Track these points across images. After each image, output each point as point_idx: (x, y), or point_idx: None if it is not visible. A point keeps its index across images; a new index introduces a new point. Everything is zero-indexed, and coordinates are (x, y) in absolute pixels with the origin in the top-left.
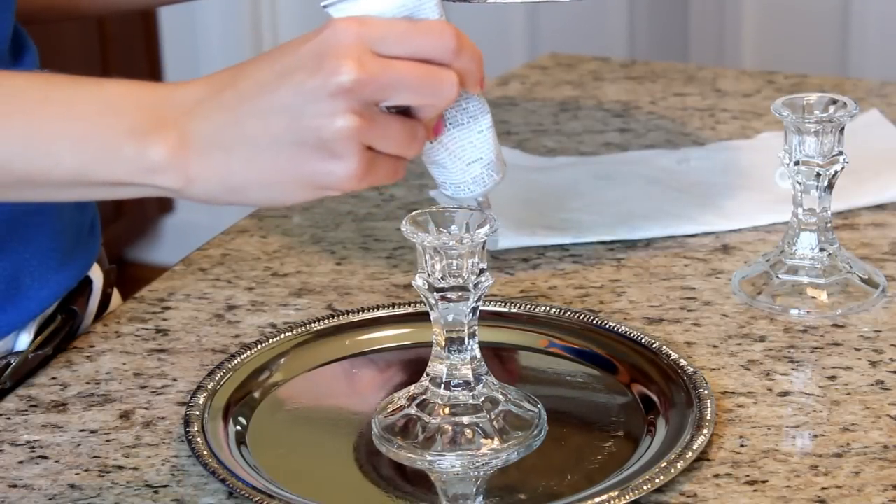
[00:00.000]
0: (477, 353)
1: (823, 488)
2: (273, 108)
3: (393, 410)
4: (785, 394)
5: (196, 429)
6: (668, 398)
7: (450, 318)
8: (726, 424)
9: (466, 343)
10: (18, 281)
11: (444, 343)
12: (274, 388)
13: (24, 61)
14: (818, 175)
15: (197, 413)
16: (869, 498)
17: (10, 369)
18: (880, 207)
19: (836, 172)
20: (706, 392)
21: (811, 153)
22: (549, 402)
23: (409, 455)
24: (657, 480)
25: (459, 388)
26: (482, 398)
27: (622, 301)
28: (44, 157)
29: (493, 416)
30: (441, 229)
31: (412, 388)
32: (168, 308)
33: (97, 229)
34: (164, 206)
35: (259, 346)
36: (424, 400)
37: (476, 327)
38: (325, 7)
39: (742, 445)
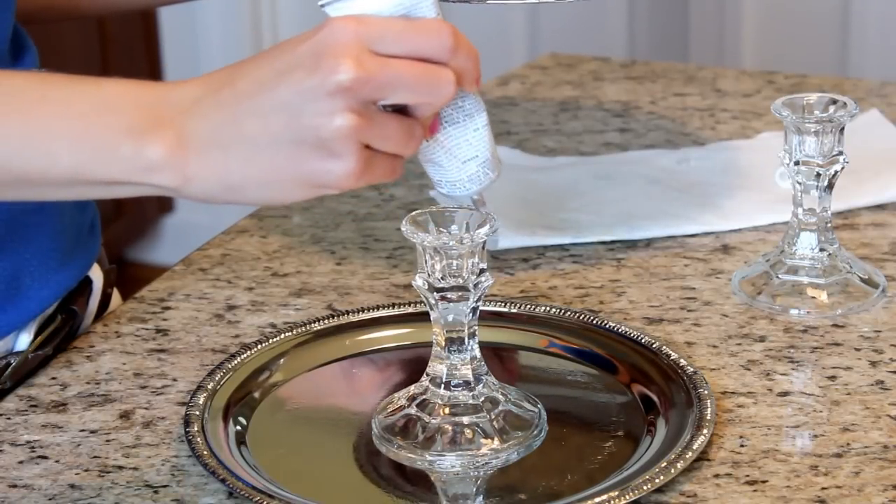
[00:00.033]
0: (477, 353)
1: (823, 488)
2: (271, 107)
3: (393, 410)
4: (785, 394)
5: (196, 429)
6: (668, 398)
7: (450, 318)
8: (726, 424)
9: (466, 343)
10: (18, 281)
11: (444, 343)
12: (274, 388)
13: (23, 61)
14: (818, 175)
15: (197, 413)
16: (869, 498)
17: (10, 369)
18: (880, 207)
19: (836, 172)
20: (706, 392)
21: (811, 153)
22: (549, 402)
23: (409, 455)
24: (657, 480)
25: (459, 388)
26: (482, 398)
27: (622, 301)
28: (41, 157)
29: (493, 416)
30: (441, 229)
31: (412, 388)
32: (168, 308)
33: (97, 229)
34: (164, 206)
35: (259, 346)
36: (424, 400)
37: (476, 327)
38: (322, 6)
39: (742, 445)
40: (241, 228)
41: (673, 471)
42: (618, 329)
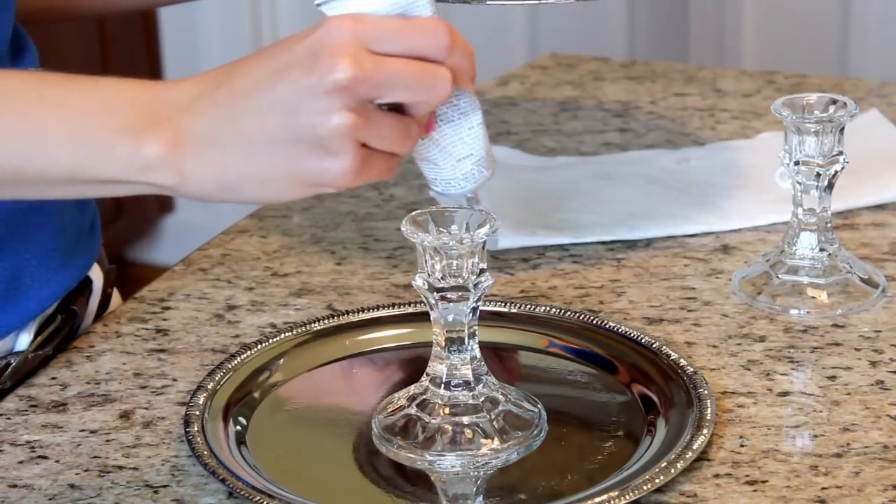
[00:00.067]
0: (477, 353)
1: (823, 488)
2: (269, 106)
3: (393, 410)
4: (785, 394)
5: (196, 429)
6: (668, 398)
7: (450, 318)
8: (726, 424)
9: (466, 343)
10: (18, 281)
11: (444, 343)
12: (274, 388)
13: (23, 62)
14: (818, 175)
15: (197, 413)
16: (869, 498)
17: (10, 369)
18: (880, 207)
19: (836, 172)
20: (706, 392)
21: (811, 153)
22: (549, 402)
23: (409, 455)
24: (657, 480)
25: (459, 388)
26: (482, 398)
27: (622, 301)
28: (39, 156)
29: (493, 416)
30: (441, 229)
31: (412, 388)
32: (168, 308)
33: (97, 229)
34: (164, 206)
35: (259, 346)
36: (424, 400)
37: (476, 327)
38: (318, 5)
39: (742, 445)
40: (241, 228)
41: (673, 471)
42: (618, 329)
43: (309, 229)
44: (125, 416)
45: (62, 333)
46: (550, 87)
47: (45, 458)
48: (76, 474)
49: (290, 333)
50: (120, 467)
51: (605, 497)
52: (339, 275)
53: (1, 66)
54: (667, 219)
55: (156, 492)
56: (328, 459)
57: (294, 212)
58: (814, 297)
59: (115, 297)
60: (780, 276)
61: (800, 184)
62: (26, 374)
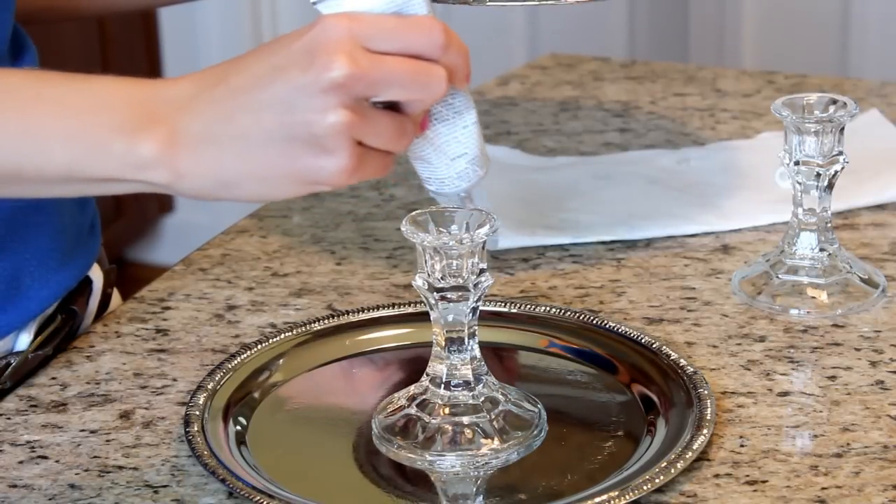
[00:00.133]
0: (477, 353)
1: (823, 488)
2: (265, 104)
3: (393, 410)
4: (785, 394)
5: (196, 429)
6: (668, 398)
7: (450, 318)
8: (726, 424)
9: (466, 343)
10: (18, 281)
11: (444, 343)
12: (274, 388)
13: (23, 62)
14: (818, 175)
15: (197, 413)
16: (869, 498)
17: (10, 369)
18: (880, 207)
19: (836, 172)
20: (706, 392)
21: (811, 153)
22: (549, 402)
23: (409, 455)
24: (657, 480)
25: (459, 388)
26: (482, 398)
27: (622, 301)
28: (35, 154)
29: (493, 416)
30: (441, 229)
31: (412, 388)
32: (168, 308)
33: (97, 229)
34: (164, 206)
35: (259, 346)
36: (424, 400)
37: (476, 327)
38: (314, 3)
39: (742, 445)
40: (241, 228)
41: (673, 471)
42: (618, 329)
43: (309, 229)
44: (125, 416)
45: (62, 333)
46: (550, 87)
47: (45, 458)
48: (76, 474)
49: (290, 333)
50: (120, 467)
51: (605, 497)
52: (339, 275)
53: (1, 66)
54: (667, 219)
55: (156, 492)
56: (328, 459)
57: (294, 212)
58: (814, 297)
59: (115, 297)
60: (780, 276)
61: (800, 184)
62: (26, 374)
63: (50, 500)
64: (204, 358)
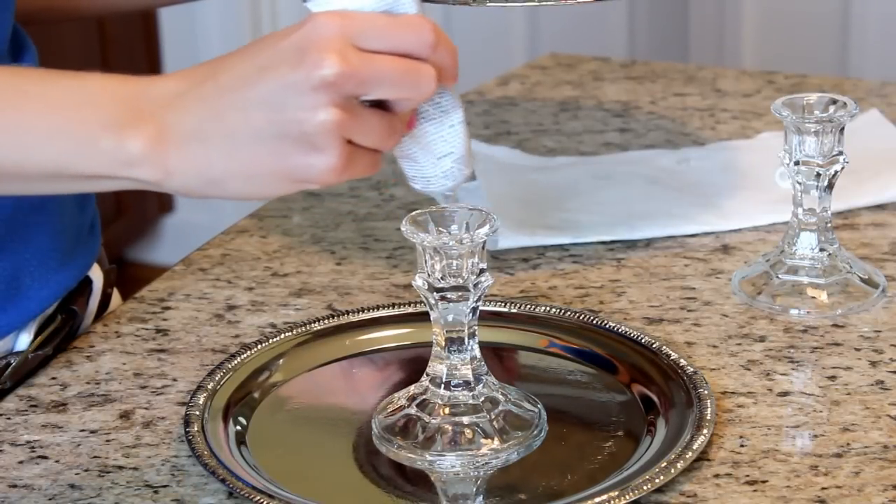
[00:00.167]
0: (477, 353)
1: (823, 488)
2: (254, 101)
3: (393, 410)
4: (785, 394)
5: (196, 429)
6: (668, 398)
7: (450, 318)
8: (726, 424)
9: (466, 343)
10: (18, 281)
11: (444, 343)
12: (274, 388)
13: (23, 62)
14: (818, 175)
15: (197, 413)
16: (869, 498)
17: (10, 369)
18: (880, 207)
19: (836, 172)
20: (706, 392)
21: (811, 153)
22: (549, 401)
23: (409, 455)
24: (657, 480)
25: (459, 388)
26: (482, 398)
27: (622, 301)
28: (22, 151)
29: (493, 416)
30: (441, 229)
31: (412, 388)
32: (168, 308)
33: (97, 229)
34: (164, 205)
35: (259, 346)
36: (424, 400)
37: (476, 327)
38: (304, 1)
39: (742, 445)
40: (241, 228)
41: (673, 471)
42: (618, 329)
43: (309, 229)
44: (125, 416)
45: (62, 333)
46: (550, 87)
47: (45, 458)
48: (76, 474)
49: (290, 333)
50: (120, 467)
51: (605, 497)
52: (339, 275)
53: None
54: (667, 219)
55: (156, 492)
56: (328, 459)
57: (294, 212)
58: (814, 297)
59: (115, 297)
60: (780, 276)
61: (800, 184)
62: (26, 374)
63: (50, 500)
64: (204, 358)
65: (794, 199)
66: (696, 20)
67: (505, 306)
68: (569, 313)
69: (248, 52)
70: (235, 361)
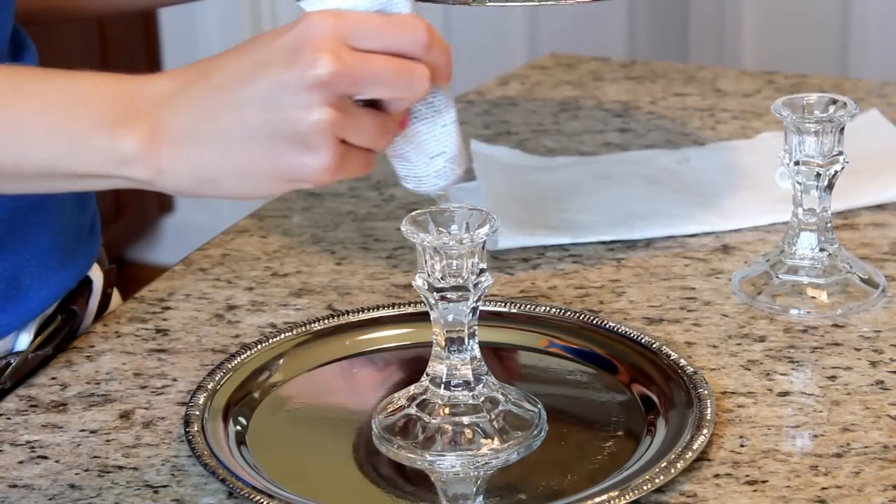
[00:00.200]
0: (477, 353)
1: (823, 488)
2: (248, 101)
3: (393, 410)
4: (785, 394)
5: (196, 429)
6: (668, 398)
7: (450, 318)
8: (726, 424)
9: (466, 343)
10: (18, 281)
11: (444, 343)
12: (274, 388)
13: (23, 61)
14: (818, 175)
15: (197, 413)
16: (869, 498)
17: (10, 369)
18: (880, 207)
19: (836, 172)
20: (706, 392)
21: (811, 153)
22: (549, 401)
23: (409, 455)
24: (657, 480)
25: (459, 388)
26: (482, 398)
27: (622, 301)
28: (15, 150)
29: (493, 416)
30: (441, 229)
31: (412, 388)
32: (168, 308)
33: (97, 229)
34: (164, 206)
35: (259, 346)
36: (424, 400)
37: (476, 327)
38: (298, 0)
39: (742, 445)
40: (241, 228)
41: (673, 471)
42: (618, 329)
43: (309, 229)
44: (125, 416)
45: (62, 333)
46: (550, 87)
47: (45, 458)
48: (76, 474)
49: (290, 333)
50: (120, 467)
51: (605, 497)
52: (339, 275)
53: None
54: (667, 219)
55: (156, 492)
56: (328, 459)
57: (294, 212)
58: (814, 297)
59: (115, 297)
60: (780, 276)
61: (800, 184)
62: (26, 374)
63: (50, 500)
64: (204, 358)
65: (794, 199)
66: (696, 20)
67: (505, 306)
68: (569, 313)
69: (241, 52)
70: (235, 361)
